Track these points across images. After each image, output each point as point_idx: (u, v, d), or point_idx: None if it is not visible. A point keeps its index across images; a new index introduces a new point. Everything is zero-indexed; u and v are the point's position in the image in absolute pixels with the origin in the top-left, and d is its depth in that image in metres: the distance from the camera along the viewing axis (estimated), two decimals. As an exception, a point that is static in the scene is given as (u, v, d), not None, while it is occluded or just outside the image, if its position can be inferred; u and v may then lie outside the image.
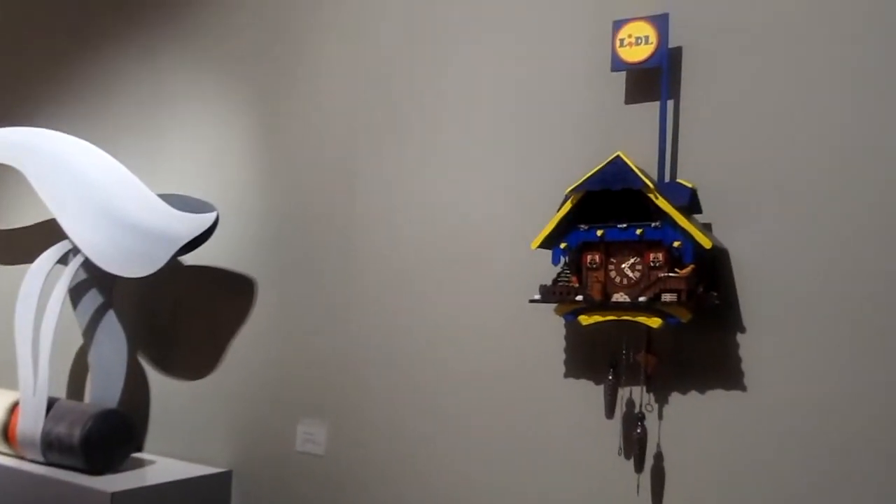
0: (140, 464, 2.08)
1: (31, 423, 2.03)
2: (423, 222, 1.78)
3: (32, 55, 2.86)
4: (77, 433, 1.92)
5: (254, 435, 2.05)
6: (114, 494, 1.78)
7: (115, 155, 2.15)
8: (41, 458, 2.02)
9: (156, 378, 2.26)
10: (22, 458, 2.10)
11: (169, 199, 1.99)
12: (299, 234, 1.99)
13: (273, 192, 2.06)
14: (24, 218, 2.76)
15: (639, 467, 1.42)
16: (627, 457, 1.45)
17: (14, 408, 2.12)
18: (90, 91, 2.57)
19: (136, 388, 2.25)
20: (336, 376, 1.90)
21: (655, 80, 1.45)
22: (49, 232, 2.61)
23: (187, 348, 2.20)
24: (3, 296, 2.80)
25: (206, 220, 1.90)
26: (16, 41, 2.96)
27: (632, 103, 1.53)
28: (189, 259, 2.18)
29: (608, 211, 1.38)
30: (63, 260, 2.15)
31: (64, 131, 2.29)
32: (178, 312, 2.23)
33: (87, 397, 2.14)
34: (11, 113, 2.79)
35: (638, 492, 1.44)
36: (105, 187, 2.06)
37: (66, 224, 2.06)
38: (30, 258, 2.74)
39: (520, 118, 1.66)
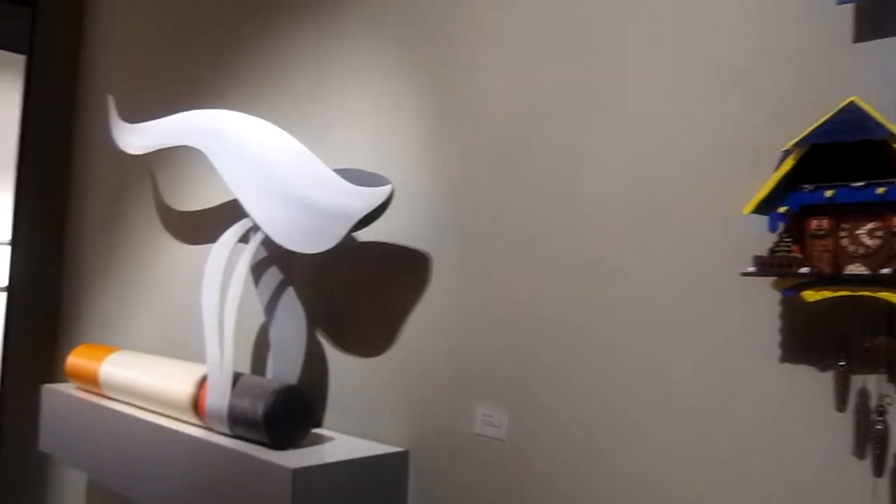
0: (319, 440, 2.08)
1: (218, 397, 2.08)
2: (608, 193, 1.62)
3: (206, 37, 2.96)
4: (260, 408, 1.94)
5: (430, 415, 1.98)
6: (295, 471, 1.77)
7: (287, 131, 2.16)
8: (228, 431, 2.07)
9: (333, 355, 2.26)
10: (210, 429, 2.16)
11: (342, 173, 1.96)
12: (475, 210, 1.90)
13: (446, 167, 1.97)
14: (206, 200, 2.87)
15: (877, 470, 1.21)
16: (862, 457, 1.24)
17: (203, 382, 2.19)
18: (264, 69, 2.61)
19: (314, 365, 2.25)
20: (517, 359, 1.79)
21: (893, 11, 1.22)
22: (231, 212, 2.70)
23: (363, 326, 2.18)
24: (187, 276, 2.95)
25: (380, 193, 1.85)
26: (190, 24, 3.08)
27: (862, 41, 1.30)
28: (364, 235, 2.15)
29: (833, 169, 1.17)
30: (244, 238, 2.19)
31: (240, 111, 2.33)
32: (353, 289, 2.21)
33: (268, 373, 2.17)
34: (189, 96, 2.90)
35: (875, 498, 1.23)
36: (283, 165, 2.06)
37: (246, 203, 2.09)
38: (213, 238, 2.86)
39: (720, 65, 1.46)
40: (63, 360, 3.85)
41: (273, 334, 2.20)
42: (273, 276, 2.24)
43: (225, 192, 2.73)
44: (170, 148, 2.50)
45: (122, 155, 3.50)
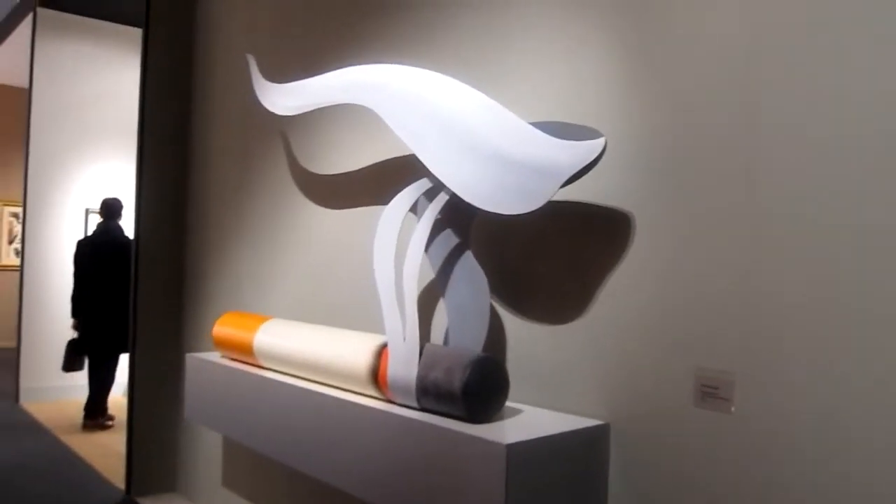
0: (511, 413, 1.96)
1: (403, 368, 1.98)
2: (861, 139, 1.42)
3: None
4: (456, 380, 1.82)
5: (634, 385, 1.83)
6: (509, 446, 1.65)
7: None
8: (415, 404, 1.97)
9: (512, 322, 2.12)
10: (391, 402, 2.07)
11: (543, 126, 1.80)
12: (685, 163, 1.72)
13: (646, 114, 1.79)
14: (344, 163, 2.75)
15: None
16: None
17: (381, 352, 2.09)
18: (422, 17, 2.45)
19: (491, 333, 2.12)
20: (743, 325, 1.62)
21: None
22: (378, 174, 2.58)
23: (548, 290, 2.03)
24: (325, 240, 2.85)
25: (592, 147, 1.68)
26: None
27: None
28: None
29: None
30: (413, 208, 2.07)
31: (405, 64, 2.19)
32: (535, 251, 2.06)
33: (449, 342, 2.05)
34: (332, 53, 2.78)
35: None
36: (466, 118, 1.92)
37: (430, 161, 1.95)
38: (353, 203, 2.75)
39: None
40: (191, 325, 3.87)
41: (450, 301, 2.08)
42: (448, 239, 2.11)
43: (366, 155, 2.62)
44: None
45: (244, 119, 3.44)
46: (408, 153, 2.26)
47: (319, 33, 2.94)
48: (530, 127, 1.80)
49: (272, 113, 2.70)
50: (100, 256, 5.65)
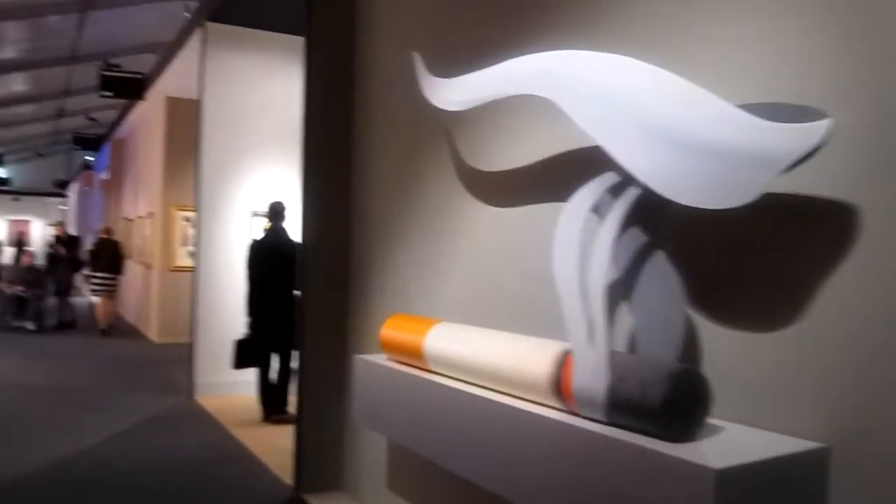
0: (714, 431, 1.75)
1: (590, 378, 1.82)
2: None
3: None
4: (654, 394, 1.65)
5: (861, 403, 1.59)
6: (720, 472, 1.46)
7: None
8: (603, 418, 1.81)
9: (709, 329, 1.91)
10: (574, 413, 1.92)
11: (752, 109, 1.59)
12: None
13: (881, 96, 1.54)
14: (513, 159, 2.62)
15: None
16: None
17: (564, 360, 1.94)
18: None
19: (684, 340, 1.92)
20: None
21: None
22: (551, 169, 2.43)
23: (753, 294, 1.81)
24: (494, 241, 2.73)
25: (815, 130, 1.46)
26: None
27: None
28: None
29: None
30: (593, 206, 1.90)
31: (572, 48, 2.03)
32: (736, 250, 1.84)
33: (639, 350, 1.88)
34: (497, 43, 2.66)
35: None
36: (658, 104, 1.73)
37: (616, 152, 1.79)
38: (522, 201, 2.62)
39: None
40: (356, 327, 3.89)
41: (638, 305, 1.91)
42: (634, 237, 1.93)
43: (537, 149, 2.48)
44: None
45: (407, 118, 3.40)
46: (585, 145, 2.10)
47: (485, 25, 2.83)
48: (737, 110, 1.59)
49: (435, 111, 2.63)
50: (269, 257, 5.87)
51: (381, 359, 2.93)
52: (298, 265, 3.96)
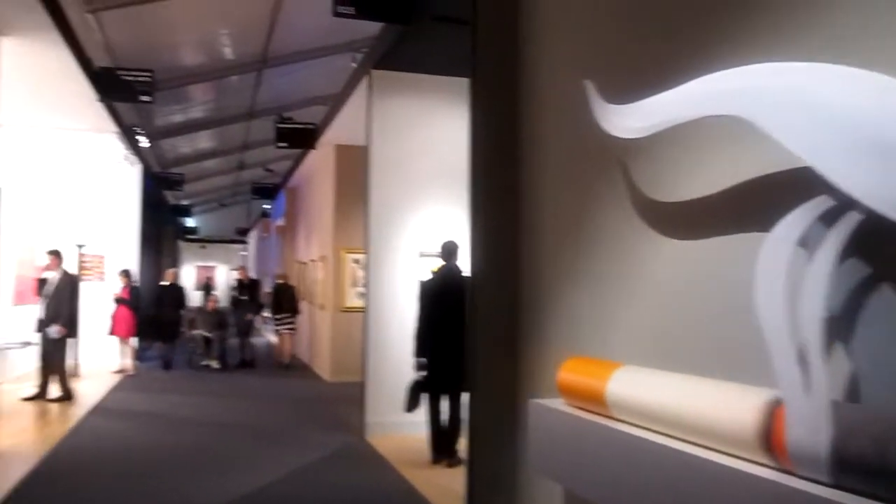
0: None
1: (808, 432, 1.59)
2: None
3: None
4: (893, 452, 1.40)
5: None
6: None
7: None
8: (826, 479, 1.57)
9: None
10: (787, 472, 1.68)
11: None
12: None
13: None
14: (699, 187, 2.42)
15: None
16: None
17: (774, 409, 1.72)
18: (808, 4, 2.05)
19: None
20: None
21: None
22: (744, 196, 2.21)
23: None
24: (680, 276, 2.52)
25: None
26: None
27: None
28: None
29: None
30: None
31: (764, 61, 1.83)
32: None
33: (843, 397, 1.63)
34: (678, 62, 2.48)
35: None
36: (880, 115, 1.51)
37: (835, 174, 1.57)
38: (713, 231, 2.40)
39: None
40: (528, 369, 3.76)
41: (859, 347, 1.66)
42: (852, 269, 1.69)
43: (726, 175, 2.26)
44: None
45: (577, 151, 3.28)
46: (787, 167, 1.89)
47: (664, 44, 2.67)
48: None
49: (608, 140, 2.48)
50: (441, 297, 5.88)
51: (558, 403, 2.78)
52: (469, 305, 3.90)
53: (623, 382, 2.32)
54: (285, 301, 12.97)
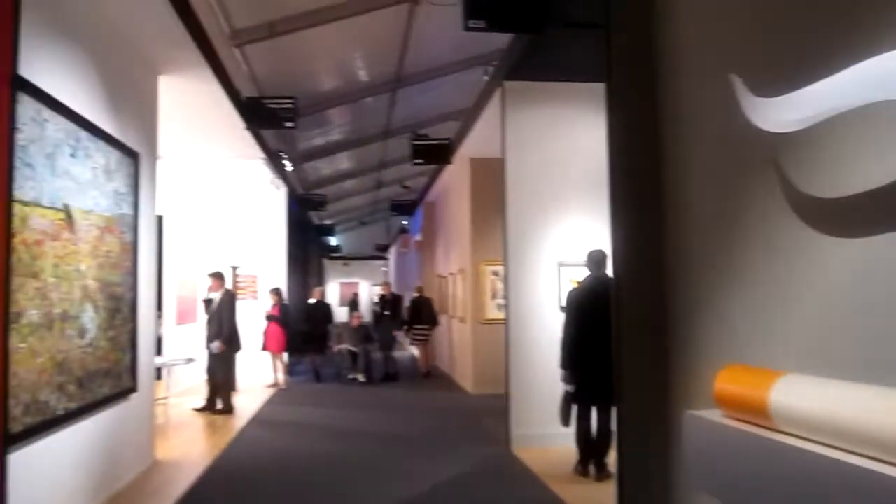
0: None
1: None
2: None
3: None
4: None
5: None
6: None
7: None
8: None
9: None
10: None
11: None
12: None
13: None
14: (865, 180, 2.22)
15: None
16: None
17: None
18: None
19: None
20: None
21: None
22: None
23: None
24: (846, 275, 2.33)
25: None
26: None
27: None
28: None
29: None
30: None
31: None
32: None
33: None
34: (836, 47, 2.30)
35: None
36: None
37: None
38: (883, 228, 2.20)
39: None
40: (678, 378, 3.61)
41: None
42: None
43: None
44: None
45: (724, 149, 3.11)
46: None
47: (812, 32, 2.49)
48: None
49: (758, 137, 2.34)
50: (590, 307, 5.78)
51: (715, 415, 2.63)
52: (614, 314, 3.80)
53: (789, 392, 2.17)
54: (424, 313, 13.50)
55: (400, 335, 15.48)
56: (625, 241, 3.79)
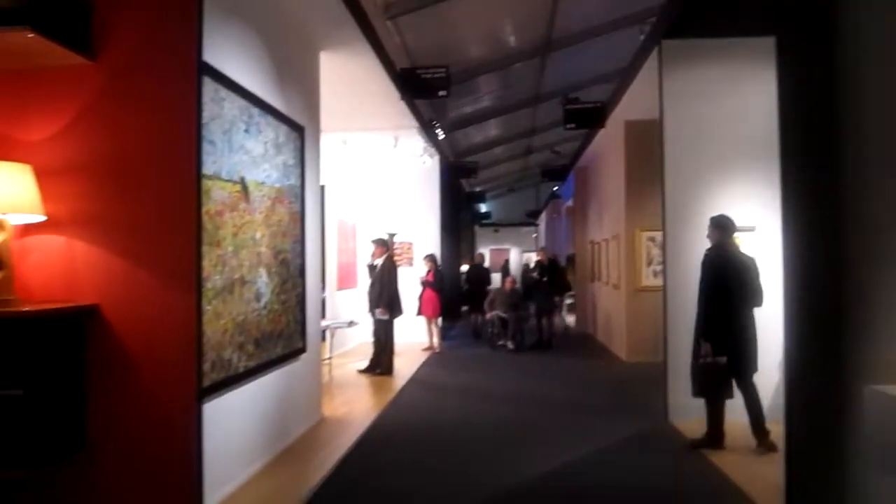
0: None
1: None
2: None
3: None
4: None
5: None
6: None
7: None
8: None
9: None
10: None
11: None
12: None
13: None
14: None
15: None
16: None
17: None
18: None
19: None
20: None
21: None
22: None
23: None
24: None
25: None
26: None
27: None
28: None
29: None
30: None
31: None
32: None
33: None
34: None
35: None
36: None
37: None
38: None
39: None
40: (855, 347, 3.39)
41: None
42: None
43: None
44: None
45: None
46: None
47: None
48: None
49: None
50: (731, 274, 5.61)
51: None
52: (784, 283, 3.61)
53: None
54: (557, 280, 13.78)
55: (558, 302, 15.43)
56: (797, 207, 3.59)
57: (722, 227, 5.81)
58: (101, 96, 3.19)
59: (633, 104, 9.61)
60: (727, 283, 5.59)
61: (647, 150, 9.05)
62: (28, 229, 3.25)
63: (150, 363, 3.14)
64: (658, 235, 8.15)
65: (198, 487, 3.16)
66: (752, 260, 5.74)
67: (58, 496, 3.11)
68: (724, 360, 5.52)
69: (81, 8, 3.16)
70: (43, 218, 3.18)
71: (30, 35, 2.91)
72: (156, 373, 3.14)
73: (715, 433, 5.72)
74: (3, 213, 3.06)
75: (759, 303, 5.63)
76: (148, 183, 3.17)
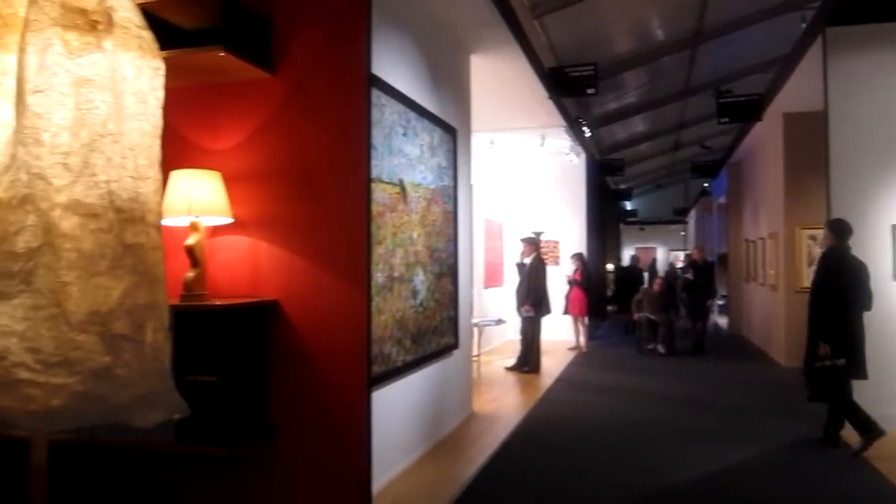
0: None
1: None
2: None
3: None
4: None
5: None
6: None
7: None
8: None
9: None
10: None
11: None
12: None
13: None
14: None
15: None
16: None
17: None
18: None
19: None
20: None
21: None
22: None
23: None
24: None
25: None
26: None
27: None
28: None
29: None
30: None
31: None
32: None
33: None
34: None
35: None
36: None
37: None
38: None
39: None
40: None
41: None
42: None
43: None
44: None
45: None
46: None
47: None
48: None
49: None
50: (851, 277, 5.63)
51: None
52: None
53: None
54: (710, 281, 13.32)
55: (713, 305, 14.72)
56: None
57: (838, 231, 5.79)
58: (280, 108, 3.46)
59: (794, 95, 9.14)
60: (844, 286, 5.54)
61: (807, 144, 8.62)
62: (216, 230, 3.57)
63: (325, 354, 3.37)
64: (820, 234, 7.73)
65: (367, 472, 3.37)
66: (863, 265, 5.73)
67: (244, 476, 3.42)
68: (842, 361, 5.42)
69: (263, 27, 3.45)
70: (230, 220, 3.48)
71: (221, 54, 3.21)
72: (330, 363, 3.37)
73: (865, 427, 5.50)
74: (197, 216, 3.38)
75: (869, 307, 5.66)
76: (324, 187, 3.41)
